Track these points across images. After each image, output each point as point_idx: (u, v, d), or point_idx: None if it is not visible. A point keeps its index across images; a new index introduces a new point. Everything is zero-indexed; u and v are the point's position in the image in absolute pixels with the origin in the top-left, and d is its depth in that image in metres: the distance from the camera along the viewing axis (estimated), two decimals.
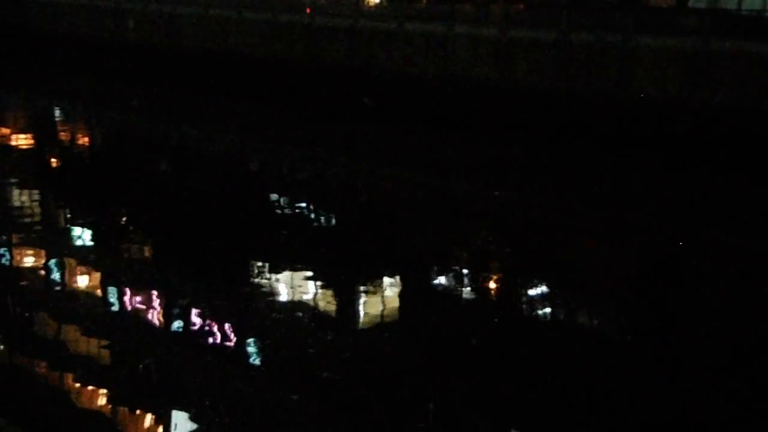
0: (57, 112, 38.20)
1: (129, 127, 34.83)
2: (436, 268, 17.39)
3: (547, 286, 16.52)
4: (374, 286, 16.09)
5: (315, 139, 31.82)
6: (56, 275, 16.26)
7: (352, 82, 36.56)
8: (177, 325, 13.85)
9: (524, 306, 15.69)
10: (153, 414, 11.14)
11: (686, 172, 25.96)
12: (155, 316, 14.24)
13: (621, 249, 19.72)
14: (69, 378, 12.08)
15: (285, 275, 16.11)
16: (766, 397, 12.15)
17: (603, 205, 23.14)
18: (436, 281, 16.74)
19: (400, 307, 15.19)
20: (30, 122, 34.93)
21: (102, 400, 11.53)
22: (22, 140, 30.11)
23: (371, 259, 17.63)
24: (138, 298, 14.82)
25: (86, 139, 32.21)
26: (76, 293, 15.28)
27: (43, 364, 12.48)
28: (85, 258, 17.02)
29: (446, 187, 24.98)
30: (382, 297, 15.49)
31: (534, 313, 15.37)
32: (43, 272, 16.37)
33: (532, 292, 16.35)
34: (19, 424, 10.08)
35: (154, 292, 14.99)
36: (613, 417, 11.43)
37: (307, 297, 15.15)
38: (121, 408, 11.34)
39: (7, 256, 17.16)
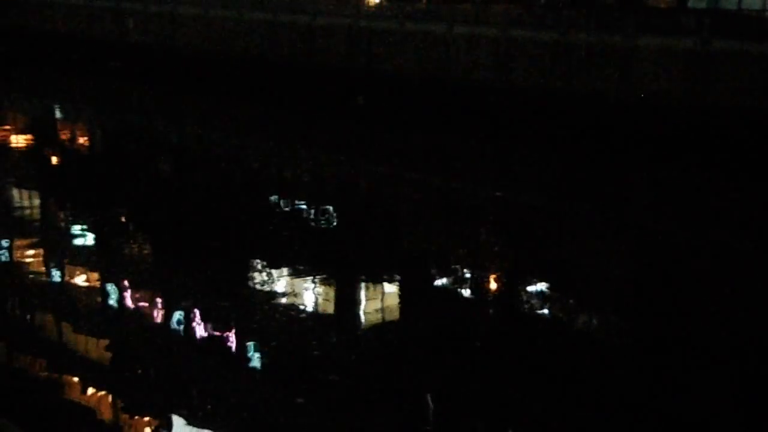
0: (57, 112, 38.19)
1: (129, 126, 34.82)
2: (436, 267, 17.38)
3: (548, 286, 16.51)
4: (374, 286, 16.08)
5: (315, 139, 31.83)
6: (56, 275, 16.26)
7: (352, 82, 36.57)
8: (177, 326, 13.84)
9: (524, 306, 15.69)
10: (153, 415, 11.13)
11: (686, 172, 25.95)
12: (156, 317, 14.24)
13: (621, 249, 19.71)
14: (69, 378, 12.08)
15: (285, 275, 16.10)
16: (765, 397, 12.15)
17: (603, 205, 23.14)
18: (436, 281, 16.73)
19: (401, 307, 15.18)
20: (30, 122, 34.92)
21: (102, 401, 11.53)
22: (22, 140, 30.10)
23: (371, 259, 17.63)
24: (138, 299, 14.81)
25: (86, 139, 32.21)
26: (76, 293, 15.28)
27: (43, 364, 12.48)
28: (86, 258, 17.02)
29: (446, 187, 24.98)
30: (382, 297, 15.49)
31: (534, 314, 15.37)
32: (43, 272, 16.36)
33: (532, 292, 16.34)
34: (19, 424, 10.07)
35: (155, 293, 14.98)
36: (612, 417, 11.43)
37: (308, 297, 15.14)
38: (121, 408, 11.33)
39: (8, 256, 17.16)
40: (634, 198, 24.10)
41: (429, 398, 11.60)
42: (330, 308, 14.92)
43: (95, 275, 16.13)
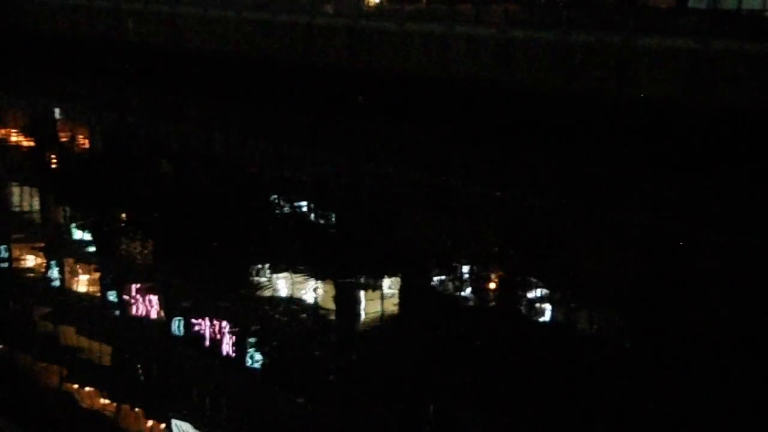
0: (57, 113, 38.17)
1: (129, 127, 34.81)
2: (436, 268, 17.38)
3: (548, 287, 16.50)
4: (374, 286, 16.07)
5: (315, 139, 31.83)
6: (56, 275, 16.25)
7: (352, 82, 36.55)
8: (178, 326, 13.83)
9: (525, 306, 15.68)
10: (153, 415, 11.13)
11: (686, 172, 25.94)
12: (156, 317, 14.23)
13: (621, 249, 19.71)
14: (69, 378, 12.07)
15: (285, 275, 16.09)
16: (765, 397, 12.15)
17: (603, 206, 23.13)
18: (436, 281, 16.72)
19: (400, 307, 15.18)
20: (30, 122, 34.90)
21: (102, 400, 11.53)
22: (22, 140, 30.09)
23: (371, 259, 17.62)
24: (138, 299, 14.80)
25: (86, 140, 32.20)
26: (76, 292, 15.27)
27: (43, 364, 12.48)
28: (86, 258, 17.01)
29: (446, 187, 24.97)
30: (382, 297, 15.49)
31: (534, 313, 15.36)
32: (43, 272, 16.35)
33: (532, 293, 16.33)
34: (19, 424, 10.07)
35: (155, 293, 14.97)
36: (612, 418, 11.42)
37: (308, 297, 15.14)
38: (121, 408, 11.33)
39: (7, 256, 17.15)
40: (634, 198, 24.08)
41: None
42: (330, 308, 14.92)
43: (95, 275, 16.13)
